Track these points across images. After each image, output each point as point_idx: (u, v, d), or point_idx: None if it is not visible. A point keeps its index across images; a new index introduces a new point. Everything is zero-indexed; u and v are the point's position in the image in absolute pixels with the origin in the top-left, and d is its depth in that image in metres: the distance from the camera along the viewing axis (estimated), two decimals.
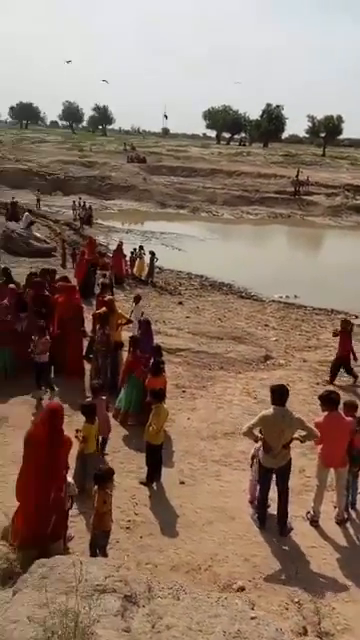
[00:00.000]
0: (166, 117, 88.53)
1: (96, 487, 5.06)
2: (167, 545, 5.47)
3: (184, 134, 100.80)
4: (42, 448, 4.92)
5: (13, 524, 5.14)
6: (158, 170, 46.52)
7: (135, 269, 19.42)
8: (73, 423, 6.48)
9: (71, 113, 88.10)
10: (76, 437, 5.86)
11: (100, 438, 6.56)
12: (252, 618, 2.68)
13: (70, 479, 5.29)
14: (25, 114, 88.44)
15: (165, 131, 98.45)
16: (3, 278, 9.72)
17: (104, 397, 6.70)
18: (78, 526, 5.55)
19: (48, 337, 8.35)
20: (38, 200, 30.82)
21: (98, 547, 4.95)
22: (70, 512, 5.33)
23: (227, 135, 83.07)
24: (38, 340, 8.21)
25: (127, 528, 5.72)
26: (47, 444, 4.93)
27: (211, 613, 2.58)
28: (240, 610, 2.74)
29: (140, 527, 5.77)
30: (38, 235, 23.46)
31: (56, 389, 8.50)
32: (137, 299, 11.34)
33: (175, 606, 2.59)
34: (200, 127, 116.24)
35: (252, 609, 2.93)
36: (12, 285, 9.20)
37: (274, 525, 5.84)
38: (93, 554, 4.93)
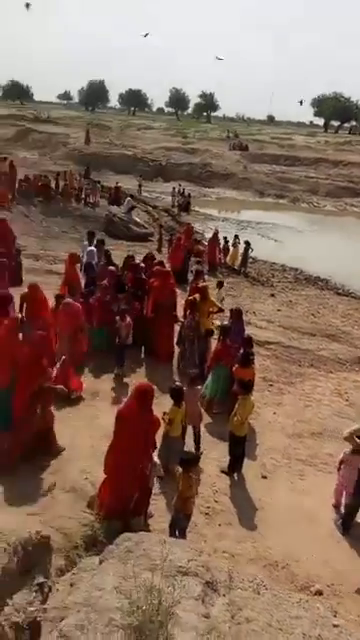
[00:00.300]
0: (301, 103, 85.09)
1: (180, 470, 5.15)
2: (245, 537, 5.45)
3: (289, 122, 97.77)
4: (132, 425, 5.10)
5: (99, 495, 5.40)
6: (260, 158, 45.60)
7: (228, 258, 19.33)
8: (160, 405, 6.61)
9: (177, 100, 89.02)
10: (163, 419, 5.98)
11: (191, 427, 6.61)
12: (334, 625, 2.59)
13: (156, 459, 5.44)
14: (133, 101, 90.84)
15: (270, 118, 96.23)
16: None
17: (199, 387, 6.70)
18: (159, 505, 5.69)
19: (130, 320, 8.56)
20: (140, 186, 31.57)
21: (178, 529, 5.04)
22: (152, 490, 5.48)
23: (336, 123, 79.35)
24: (121, 322, 8.43)
25: (206, 514, 5.77)
26: (137, 422, 5.10)
27: (292, 614, 2.52)
28: (322, 615, 2.66)
29: (219, 515, 5.79)
30: (137, 220, 24.11)
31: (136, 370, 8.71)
32: (220, 284, 11.30)
33: (255, 600, 2.57)
34: (307, 115, 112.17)
35: (334, 616, 2.83)
36: (112, 267, 9.53)
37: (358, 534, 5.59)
38: (172, 535, 5.02)
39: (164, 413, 6.18)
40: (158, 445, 5.89)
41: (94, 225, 21.72)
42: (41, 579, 3.36)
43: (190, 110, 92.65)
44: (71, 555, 4.56)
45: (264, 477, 6.60)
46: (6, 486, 5.49)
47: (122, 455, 5.15)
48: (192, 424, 6.63)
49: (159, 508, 5.63)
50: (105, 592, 2.45)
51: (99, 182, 28.16)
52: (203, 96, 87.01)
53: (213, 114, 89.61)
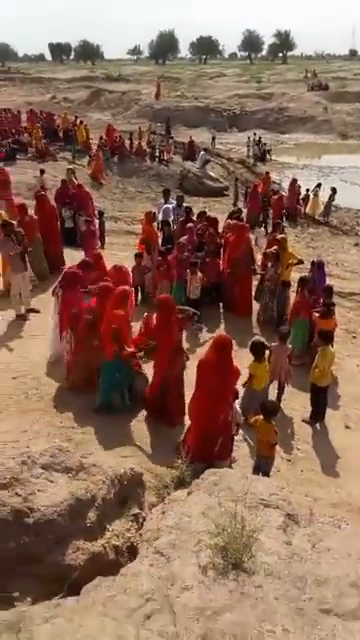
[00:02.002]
0: None
1: (261, 418, 5.33)
2: (328, 482, 5.57)
3: None
4: (212, 374, 5.31)
5: (185, 441, 5.74)
6: (341, 97, 42.51)
7: (308, 207, 18.61)
8: (239, 359, 6.75)
9: (250, 42, 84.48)
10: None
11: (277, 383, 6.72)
12: None
13: (237, 407, 5.65)
14: (204, 49, 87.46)
15: (352, 53, 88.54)
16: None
17: (290, 346, 6.71)
18: (241, 451, 5.93)
19: (200, 275, 8.62)
20: (213, 138, 30.85)
21: (262, 472, 5.26)
22: (235, 437, 5.73)
23: None
24: (191, 277, 8.52)
25: (288, 461, 5.95)
26: (217, 370, 5.29)
27: None
28: None
29: (301, 462, 5.94)
30: (212, 174, 23.75)
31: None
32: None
33: (336, 533, 2.71)
34: None
35: None
36: (190, 224, 9.60)
37: None
38: None
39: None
40: (240, 395, 6.10)
41: (168, 182, 21.76)
42: (136, 510, 3.73)
43: (264, 52, 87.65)
44: (162, 492, 4.94)
45: (347, 427, 6.62)
46: (103, 432, 6.00)
47: (204, 403, 5.40)
48: (280, 380, 6.71)
49: (242, 454, 5.87)
50: (193, 518, 2.71)
51: (172, 137, 27.90)
52: (278, 35, 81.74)
53: (289, 54, 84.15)
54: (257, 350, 6.32)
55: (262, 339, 6.92)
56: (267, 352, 6.46)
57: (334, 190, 18.12)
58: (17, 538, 2.78)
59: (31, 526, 2.83)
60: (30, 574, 2.81)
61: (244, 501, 2.77)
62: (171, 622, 2.10)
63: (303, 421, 6.66)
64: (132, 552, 3.38)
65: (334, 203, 18.93)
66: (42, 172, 16.50)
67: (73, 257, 10.81)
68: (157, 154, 24.00)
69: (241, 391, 6.07)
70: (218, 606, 2.16)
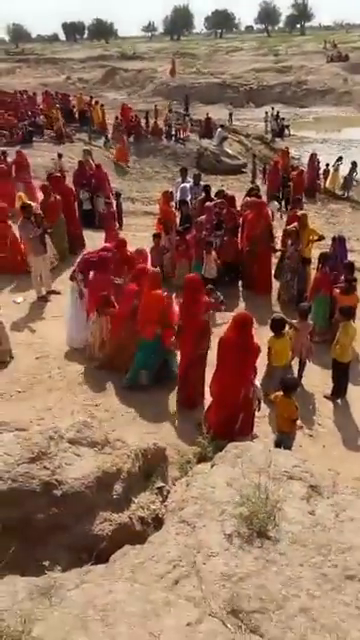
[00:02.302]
0: None
1: (281, 394, 5.34)
2: (350, 457, 5.59)
3: None
4: (233, 351, 5.33)
5: (206, 417, 5.81)
6: None
7: (328, 182, 18.23)
8: (260, 336, 6.72)
9: (267, 14, 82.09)
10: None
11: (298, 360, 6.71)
12: None
13: (258, 383, 5.66)
14: (220, 23, 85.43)
15: None
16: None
17: (311, 322, 6.66)
18: (262, 427, 5.97)
19: (215, 254, 8.61)
20: (230, 114, 30.29)
21: (283, 448, 5.28)
22: (256, 413, 5.75)
23: None
24: (207, 256, 8.47)
25: (310, 436, 5.97)
26: (237, 348, 5.31)
27: None
28: None
29: (323, 437, 5.96)
30: (229, 151, 23.37)
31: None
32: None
33: (359, 503, 2.73)
34: None
35: None
36: (209, 203, 9.51)
37: None
38: None
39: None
40: (260, 372, 6.11)
41: (185, 161, 21.50)
42: (160, 483, 3.81)
43: (282, 24, 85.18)
44: (184, 467, 5.02)
45: None
46: (126, 410, 6.10)
47: (225, 380, 5.44)
48: (301, 357, 6.68)
49: (263, 430, 5.91)
50: (217, 488, 2.76)
51: (188, 115, 27.49)
52: (295, 6, 79.21)
53: (308, 24, 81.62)
54: (276, 326, 6.32)
55: (282, 316, 6.89)
56: (287, 328, 6.43)
57: (354, 164, 17.72)
58: (46, 509, 2.87)
59: (59, 498, 2.92)
60: (59, 543, 2.91)
61: (267, 473, 2.81)
62: (198, 587, 2.16)
63: (324, 397, 6.65)
64: (157, 523, 3.47)
65: (355, 177, 18.53)
66: (60, 156, 16.51)
67: (93, 239, 10.88)
68: (173, 133, 23.70)
69: (261, 369, 6.07)
70: (243, 572, 2.21)
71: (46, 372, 6.89)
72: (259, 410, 5.77)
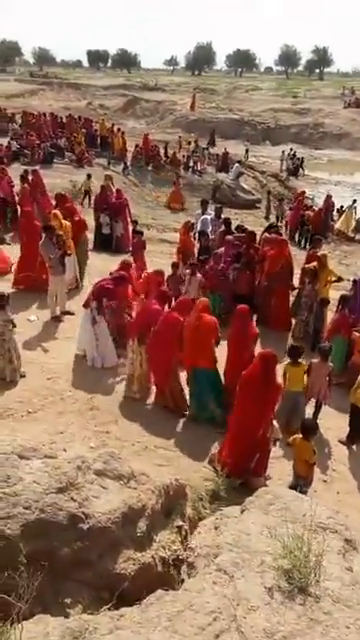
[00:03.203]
0: None
1: (300, 437, 5.25)
2: None
3: None
4: (255, 389, 5.26)
5: (220, 453, 5.69)
6: None
7: (339, 223, 18.43)
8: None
9: (288, 57, 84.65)
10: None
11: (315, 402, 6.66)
12: None
13: (276, 423, 5.58)
14: (241, 61, 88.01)
15: None
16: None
17: (331, 365, 6.62)
18: (277, 468, 5.84)
19: (200, 277, 8.70)
20: (247, 151, 30.90)
21: (299, 492, 5.16)
22: (271, 454, 5.65)
23: None
24: (190, 277, 8.67)
25: (324, 481, 5.84)
26: (260, 386, 5.25)
27: None
28: None
29: (337, 483, 5.83)
30: (245, 186, 23.77)
31: None
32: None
33: None
34: None
35: None
36: (229, 237, 9.58)
37: None
38: None
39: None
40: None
41: (201, 193, 21.81)
42: (180, 522, 3.69)
43: (301, 67, 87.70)
44: (197, 505, 4.89)
45: None
46: (136, 439, 5.99)
47: (244, 418, 5.36)
48: (318, 398, 6.60)
49: (277, 471, 5.78)
50: (252, 536, 2.66)
51: (207, 149, 28.03)
52: (316, 51, 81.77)
53: (326, 70, 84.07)
54: (294, 353, 6.44)
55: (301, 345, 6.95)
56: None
57: None
58: (72, 543, 2.77)
59: (85, 532, 2.82)
60: (81, 580, 2.80)
61: (302, 523, 2.71)
62: None
63: (339, 442, 6.54)
64: (177, 565, 3.35)
65: None
66: (89, 176, 16.85)
67: (107, 262, 10.92)
68: (191, 164, 24.14)
69: None
70: (287, 630, 2.11)
71: (58, 394, 6.81)
72: (275, 446, 5.68)
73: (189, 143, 27.94)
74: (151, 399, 6.89)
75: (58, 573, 2.68)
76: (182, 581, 3.14)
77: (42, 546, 2.66)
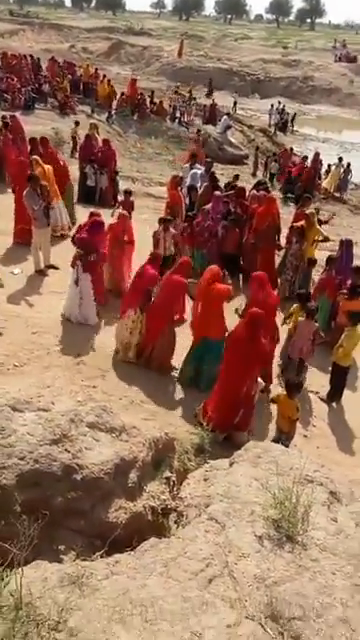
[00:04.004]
0: None
1: (284, 394, 5.38)
2: (343, 460, 5.66)
3: None
4: (241, 347, 5.32)
5: (205, 408, 5.80)
6: None
7: (326, 181, 18.22)
8: None
9: (279, 5, 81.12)
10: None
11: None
12: None
13: (260, 380, 5.69)
14: (230, 8, 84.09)
15: None
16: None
17: (317, 324, 6.64)
18: (259, 424, 5.99)
19: (174, 231, 8.51)
20: (235, 103, 29.99)
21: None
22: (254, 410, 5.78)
23: None
24: (162, 233, 8.37)
25: (305, 436, 6.02)
26: (246, 344, 5.30)
27: None
28: None
29: (317, 439, 6.02)
30: (233, 140, 23.17)
31: None
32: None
33: None
34: None
35: None
36: (218, 192, 9.41)
37: None
38: None
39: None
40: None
41: (187, 146, 21.24)
42: (168, 474, 3.79)
43: (292, 17, 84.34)
44: (182, 458, 5.01)
45: None
46: (123, 394, 6.06)
47: (230, 374, 5.44)
48: (302, 356, 6.69)
49: (260, 427, 5.93)
50: (242, 488, 2.76)
51: (194, 99, 27.10)
52: (308, 0, 78.46)
53: (318, 20, 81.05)
54: (303, 298, 6.75)
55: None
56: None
57: (348, 165, 17.86)
58: (65, 493, 2.83)
59: (79, 482, 2.88)
60: (75, 528, 2.87)
61: (290, 476, 2.81)
62: (232, 588, 2.16)
63: (320, 399, 6.72)
64: (165, 514, 3.46)
65: (354, 181, 18.62)
66: (77, 123, 16.22)
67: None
68: (177, 115, 23.37)
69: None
70: (277, 575, 2.22)
71: (44, 348, 6.78)
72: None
73: (190, 92, 26.98)
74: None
75: (52, 522, 2.74)
76: (170, 529, 3.25)
77: (37, 496, 2.71)
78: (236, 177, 11.64)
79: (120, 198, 10.48)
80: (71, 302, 7.46)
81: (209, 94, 29.67)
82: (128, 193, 9.52)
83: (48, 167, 9.13)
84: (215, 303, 6.01)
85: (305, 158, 17.95)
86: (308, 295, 6.51)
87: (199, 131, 21.27)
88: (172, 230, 8.50)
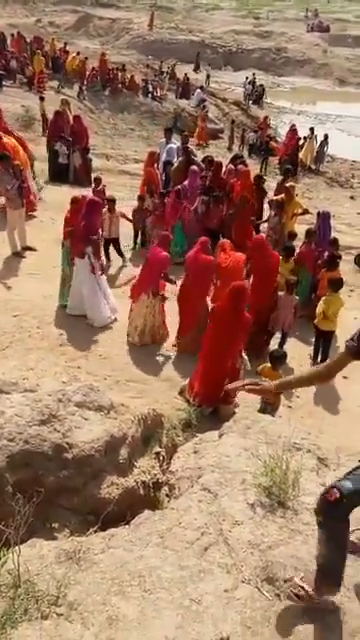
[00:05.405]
0: None
1: (269, 366, 5.43)
2: (327, 429, 5.78)
3: None
4: (225, 321, 5.34)
5: (190, 384, 5.84)
6: (342, 40, 40.65)
7: (302, 153, 18.07)
8: None
9: None
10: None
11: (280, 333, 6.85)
12: None
13: (245, 355, 5.73)
14: None
15: None
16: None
17: (297, 297, 6.72)
18: (245, 396, 6.05)
19: (119, 213, 8.35)
20: (208, 76, 29.42)
21: None
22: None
23: None
24: (107, 214, 8.16)
25: (289, 407, 6.12)
26: (229, 318, 5.32)
27: None
28: None
29: (301, 408, 6.14)
30: (208, 114, 22.84)
31: None
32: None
33: None
34: None
35: None
36: (194, 167, 9.30)
37: None
38: None
39: None
40: None
41: (162, 121, 20.91)
42: (158, 449, 3.83)
43: None
44: (170, 433, 5.05)
45: (345, 377, 6.75)
46: (107, 373, 6.05)
47: (215, 349, 5.46)
48: (283, 328, 6.77)
49: (245, 399, 6.00)
50: (232, 458, 2.80)
51: (164, 72, 26.56)
52: None
53: None
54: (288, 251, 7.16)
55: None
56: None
57: (326, 137, 17.74)
58: (57, 472, 2.83)
59: (70, 460, 2.88)
60: (68, 506, 2.89)
61: (278, 444, 2.86)
62: (227, 554, 2.20)
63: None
64: (156, 488, 3.50)
65: (329, 153, 18.58)
66: (42, 99, 15.72)
67: (65, 195, 10.43)
68: (150, 90, 22.89)
69: None
70: (271, 540, 2.27)
71: (25, 331, 6.72)
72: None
73: (174, 66, 26.49)
74: (167, 344, 6.84)
75: (45, 500, 2.74)
76: (163, 502, 3.30)
77: (28, 476, 2.71)
78: None
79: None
80: (87, 297, 7.02)
81: (196, 69, 29.07)
82: (112, 202, 8.71)
83: (12, 139, 8.86)
84: (234, 273, 6.16)
85: (295, 131, 17.65)
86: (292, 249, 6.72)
87: (204, 107, 20.90)
88: (117, 211, 8.30)
